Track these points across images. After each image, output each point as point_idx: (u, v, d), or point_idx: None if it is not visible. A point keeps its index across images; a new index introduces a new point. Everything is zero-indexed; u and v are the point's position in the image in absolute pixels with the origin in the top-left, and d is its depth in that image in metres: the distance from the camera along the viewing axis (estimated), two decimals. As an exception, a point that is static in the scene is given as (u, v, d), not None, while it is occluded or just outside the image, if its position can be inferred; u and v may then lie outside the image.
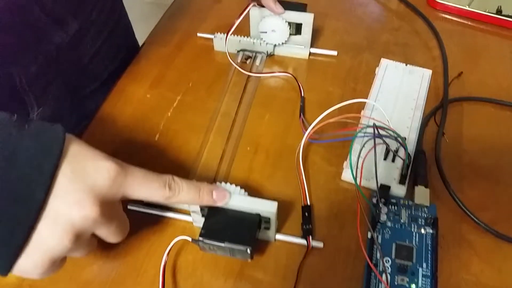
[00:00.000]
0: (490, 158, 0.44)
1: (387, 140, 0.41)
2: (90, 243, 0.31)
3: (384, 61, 0.51)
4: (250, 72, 0.50)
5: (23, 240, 0.26)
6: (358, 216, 0.38)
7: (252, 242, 0.33)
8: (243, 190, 0.36)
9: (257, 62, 0.52)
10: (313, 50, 0.53)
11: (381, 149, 0.42)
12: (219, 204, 0.34)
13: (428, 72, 0.50)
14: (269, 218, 0.34)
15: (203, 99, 0.49)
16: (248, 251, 0.33)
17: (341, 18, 0.59)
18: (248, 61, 0.52)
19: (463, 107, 0.48)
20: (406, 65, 0.51)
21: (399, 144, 0.41)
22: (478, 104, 0.48)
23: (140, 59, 0.54)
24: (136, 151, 0.44)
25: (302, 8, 0.51)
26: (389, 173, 0.41)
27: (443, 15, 0.59)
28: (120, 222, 0.31)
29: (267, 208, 0.34)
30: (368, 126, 0.40)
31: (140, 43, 0.57)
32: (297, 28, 0.51)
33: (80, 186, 0.27)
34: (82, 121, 0.47)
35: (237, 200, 0.34)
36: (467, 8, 0.58)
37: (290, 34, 0.51)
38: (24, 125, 0.27)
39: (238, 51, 0.53)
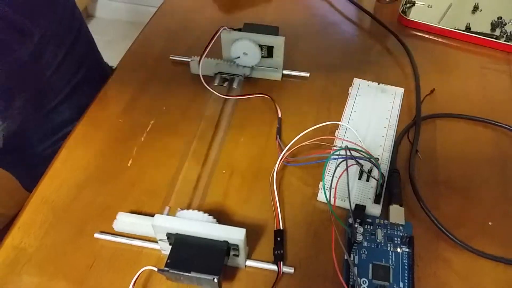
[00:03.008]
0: (464, 174, 0.44)
1: (361, 161, 0.41)
2: None
3: (356, 81, 0.52)
4: (227, 95, 0.50)
5: None
6: (333, 238, 0.37)
7: (219, 271, 0.32)
8: (211, 217, 0.35)
9: (234, 85, 0.52)
10: (286, 72, 0.53)
11: (355, 169, 0.42)
12: None
13: (400, 90, 0.51)
14: (238, 245, 0.34)
15: (178, 123, 0.48)
16: (215, 280, 0.32)
17: (313, 39, 0.59)
18: (225, 84, 0.52)
19: (436, 124, 0.49)
20: (379, 84, 0.51)
21: (372, 164, 0.41)
22: (450, 121, 0.49)
23: (112, 83, 0.53)
24: (109, 177, 0.43)
25: (274, 31, 0.51)
26: (364, 193, 0.41)
27: (415, 32, 0.60)
28: None
29: (235, 235, 0.33)
30: (341, 149, 0.40)
31: (116, 63, 0.57)
32: (269, 51, 0.51)
33: None
34: (49, 136, 0.47)
35: (204, 227, 0.34)
36: (437, 25, 0.59)
37: (262, 57, 0.51)
38: None
39: (215, 74, 0.53)
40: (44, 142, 0.46)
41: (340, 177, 0.41)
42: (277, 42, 0.50)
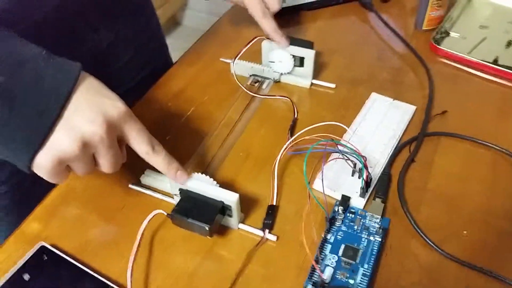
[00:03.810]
0: (453, 188, 0.48)
1: (352, 158, 0.47)
2: (90, 163, 0.39)
3: (374, 95, 0.58)
4: (255, 93, 0.58)
5: (42, 141, 0.35)
6: (300, 217, 0.44)
7: (211, 222, 0.40)
8: (215, 182, 0.44)
9: (264, 86, 0.60)
10: (315, 81, 0.61)
11: (348, 166, 0.48)
12: (178, 181, 0.42)
13: (412, 108, 0.56)
14: (231, 207, 0.42)
15: (212, 111, 0.58)
16: (207, 228, 0.40)
17: (347, 55, 0.66)
18: (256, 85, 0.60)
19: (440, 141, 0.53)
20: (394, 100, 0.57)
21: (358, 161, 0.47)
22: (455, 140, 0.53)
23: (170, 74, 0.64)
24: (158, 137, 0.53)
25: (308, 45, 0.59)
26: (354, 187, 0.47)
27: (443, 60, 0.64)
28: (116, 154, 0.39)
29: (229, 197, 0.42)
30: (327, 141, 0.46)
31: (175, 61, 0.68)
32: (300, 61, 0.59)
33: (96, 109, 0.36)
34: None
35: (207, 188, 0.42)
36: (465, 55, 0.63)
37: (295, 66, 0.59)
38: (50, 59, 0.36)
39: (250, 76, 0.62)
40: None
41: (324, 165, 0.47)
42: (308, 54, 0.58)
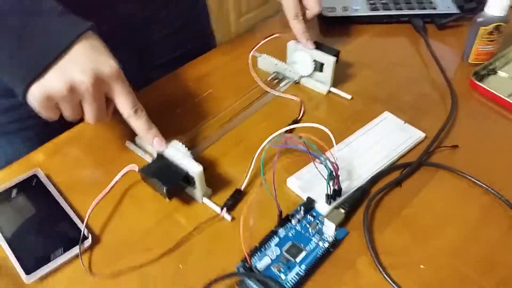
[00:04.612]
0: (429, 221, 0.46)
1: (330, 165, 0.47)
2: (77, 108, 0.44)
3: (386, 114, 0.57)
4: (270, 89, 0.60)
5: (36, 77, 0.40)
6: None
7: (170, 185, 0.43)
8: (189, 152, 0.47)
9: (281, 84, 0.62)
10: (333, 89, 0.61)
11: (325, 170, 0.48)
12: (154, 147, 0.46)
13: (420, 134, 0.54)
14: (194, 178, 0.44)
15: (224, 97, 0.61)
16: (164, 190, 0.43)
17: (378, 72, 0.65)
18: (275, 81, 0.62)
19: (437, 174, 0.51)
20: (405, 123, 0.55)
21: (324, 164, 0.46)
22: (454, 177, 0.50)
23: (203, 58, 0.68)
24: (159, 114, 0.58)
25: (333, 53, 0.59)
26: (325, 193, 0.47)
27: (479, 97, 0.60)
28: (100, 108, 0.44)
29: (193, 168, 0.44)
30: (299, 138, 0.46)
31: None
32: (321, 67, 0.60)
33: (89, 63, 0.41)
34: (148, 85, 0.63)
35: (177, 156, 0.46)
36: (505, 97, 0.58)
37: (315, 70, 0.60)
38: (64, 14, 0.42)
39: (273, 72, 0.64)
40: (142, 87, 0.62)
41: (275, 160, 0.48)
42: (328, 61, 0.58)
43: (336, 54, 0.59)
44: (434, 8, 0.74)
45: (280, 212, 0.44)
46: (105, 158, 0.53)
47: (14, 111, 0.61)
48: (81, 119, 0.46)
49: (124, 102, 0.45)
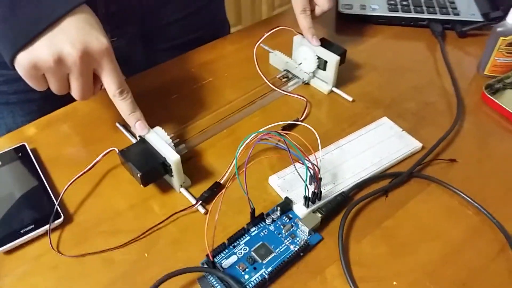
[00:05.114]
0: (410, 236, 0.44)
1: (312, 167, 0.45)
2: (63, 81, 0.43)
3: (384, 119, 0.54)
4: (277, 87, 0.58)
5: (25, 44, 0.40)
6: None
7: (144, 171, 0.43)
8: (171, 140, 0.46)
9: (290, 83, 0.60)
10: (335, 89, 0.59)
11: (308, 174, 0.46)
12: (135, 130, 0.46)
13: (416, 144, 0.51)
14: (171, 166, 0.44)
15: (226, 88, 0.60)
16: (139, 175, 0.43)
17: (386, 75, 0.62)
18: (283, 80, 0.60)
19: (429, 187, 0.48)
20: (402, 130, 0.53)
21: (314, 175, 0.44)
22: (445, 192, 0.47)
23: (210, 46, 0.67)
24: (155, 97, 0.58)
25: (339, 51, 0.57)
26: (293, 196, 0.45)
27: (490, 111, 0.57)
28: (86, 84, 0.44)
29: (171, 156, 0.43)
30: (280, 136, 0.44)
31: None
32: (324, 64, 0.58)
33: (80, 36, 0.41)
34: (150, 67, 0.63)
35: (157, 142, 0.45)
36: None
37: (318, 67, 0.58)
38: None
39: (283, 70, 0.62)
40: (145, 69, 0.62)
41: (248, 155, 0.46)
42: (332, 59, 0.56)
43: (341, 53, 0.57)
44: (457, 14, 0.70)
45: (253, 210, 0.43)
46: (94, 137, 0.53)
47: (17, 82, 0.62)
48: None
49: (110, 81, 0.44)
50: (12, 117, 0.64)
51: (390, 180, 0.48)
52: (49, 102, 0.64)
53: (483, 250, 0.43)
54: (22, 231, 0.42)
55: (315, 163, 0.42)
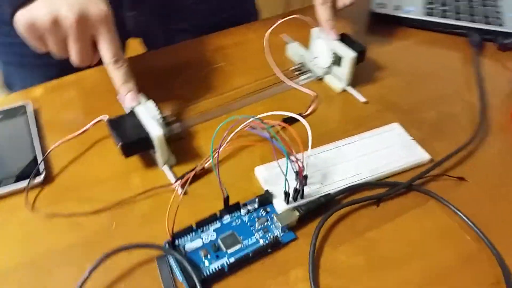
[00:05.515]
0: (392, 251, 0.40)
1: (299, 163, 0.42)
2: (61, 44, 0.43)
3: (394, 125, 0.50)
4: (288, 79, 0.56)
5: (24, 2, 0.41)
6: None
7: (124, 142, 0.42)
8: (160, 116, 0.45)
9: (302, 77, 0.57)
10: (348, 88, 0.56)
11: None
12: (126, 101, 0.45)
13: (424, 156, 0.47)
14: (153, 142, 0.43)
15: (235, 74, 0.58)
16: (119, 145, 0.42)
17: (409, 81, 0.58)
18: (296, 73, 0.58)
19: (427, 203, 0.44)
20: (412, 139, 0.49)
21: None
22: (445, 211, 0.43)
23: (230, 31, 0.66)
24: (162, 77, 0.57)
25: (358, 48, 0.54)
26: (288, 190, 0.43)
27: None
28: (84, 49, 0.44)
29: (154, 132, 0.42)
30: (266, 126, 0.41)
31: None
32: (339, 60, 0.55)
33: (79, 0, 0.41)
34: (168, 44, 0.63)
35: (145, 116, 0.44)
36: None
37: (334, 63, 0.55)
38: None
39: (298, 63, 0.59)
40: (162, 45, 0.62)
41: (222, 145, 0.44)
42: (347, 55, 0.53)
43: (360, 51, 0.54)
44: (501, 25, 0.64)
45: (227, 197, 0.41)
46: (96, 106, 0.53)
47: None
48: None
49: (106, 49, 0.44)
50: (31, 79, 0.66)
51: (386, 189, 0.44)
52: (68, 68, 0.65)
53: (475, 280, 0.38)
54: (1, 183, 0.43)
55: (301, 159, 0.40)
